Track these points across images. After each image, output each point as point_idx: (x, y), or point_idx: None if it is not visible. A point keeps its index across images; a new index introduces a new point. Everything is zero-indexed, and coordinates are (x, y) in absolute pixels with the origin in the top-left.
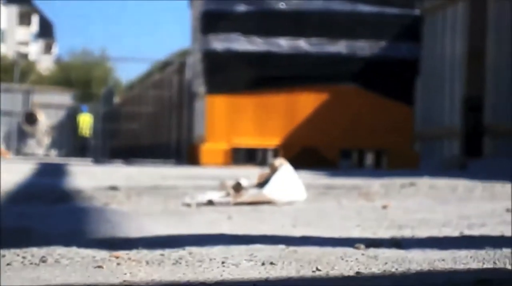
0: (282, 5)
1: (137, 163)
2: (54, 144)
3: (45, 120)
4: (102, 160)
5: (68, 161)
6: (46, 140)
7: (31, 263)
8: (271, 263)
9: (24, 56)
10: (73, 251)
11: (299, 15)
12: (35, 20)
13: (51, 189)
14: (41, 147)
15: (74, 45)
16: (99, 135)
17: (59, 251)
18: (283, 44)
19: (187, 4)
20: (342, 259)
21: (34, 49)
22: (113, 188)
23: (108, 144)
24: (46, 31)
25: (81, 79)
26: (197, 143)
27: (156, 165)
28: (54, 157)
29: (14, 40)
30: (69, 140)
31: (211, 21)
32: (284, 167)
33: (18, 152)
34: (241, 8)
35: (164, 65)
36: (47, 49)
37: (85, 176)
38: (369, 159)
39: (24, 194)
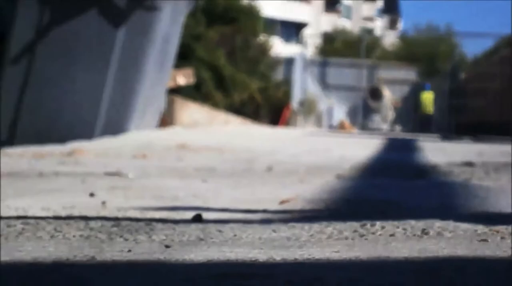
0: None
1: (486, 140)
2: (398, 119)
3: (389, 96)
4: (449, 136)
5: (414, 137)
6: (391, 115)
7: (414, 235)
8: None
9: (369, 31)
10: (451, 224)
11: None
12: None
13: (406, 164)
14: (385, 122)
15: (419, 21)
16: (444, 111)
17: (437, 224)
18: None
19: None
20: None
21: (379, 25)
22: (469, 164)
23: (454, 120)
24: (391, 7)
25: (425, 54)
26: None
27: (506, 143)
28: (399, 132)
29: (359, 15)
30: (412, 116)
31: None
32: None
33: (363, 126)
34: None
35: (511, 41)
36: (392, 25)
37: (436, 152)
38: None
39: (379, 167)
